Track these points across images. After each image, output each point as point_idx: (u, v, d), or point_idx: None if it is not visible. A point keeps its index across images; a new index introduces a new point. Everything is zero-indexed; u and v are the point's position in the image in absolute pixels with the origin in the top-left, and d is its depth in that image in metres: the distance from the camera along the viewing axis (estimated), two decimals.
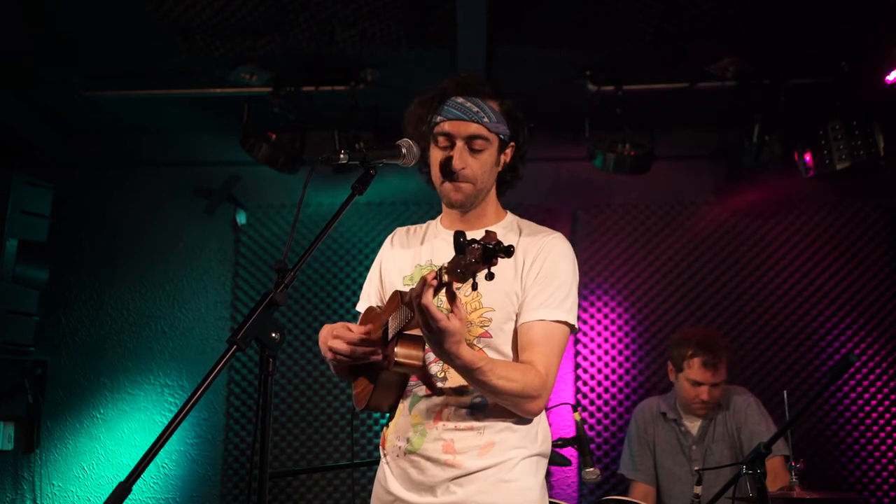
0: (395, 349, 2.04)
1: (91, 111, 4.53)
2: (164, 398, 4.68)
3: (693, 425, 3.77)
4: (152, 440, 1.48)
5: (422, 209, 4.80)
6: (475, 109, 2.16)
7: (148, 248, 4.83)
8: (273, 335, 1.66)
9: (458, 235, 1.72)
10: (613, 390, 4.57)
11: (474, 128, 2.16)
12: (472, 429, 2.11)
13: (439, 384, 2.16)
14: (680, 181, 4.76)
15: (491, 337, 2.14)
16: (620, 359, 4.60)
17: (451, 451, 2.10)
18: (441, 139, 2.20)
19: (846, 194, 4.66)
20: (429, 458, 2.12)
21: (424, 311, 1.85)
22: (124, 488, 1.43)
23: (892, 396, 4.49)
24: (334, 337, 2.14)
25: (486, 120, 2.16)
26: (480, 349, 2.12)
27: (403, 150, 2.11)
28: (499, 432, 2.12)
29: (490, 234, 1.71)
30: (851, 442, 4.44)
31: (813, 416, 4.41)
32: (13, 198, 4.14)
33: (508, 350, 2.15)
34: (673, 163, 4.60)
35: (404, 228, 2.47)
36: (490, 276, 1.71)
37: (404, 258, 2.35)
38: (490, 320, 2.15)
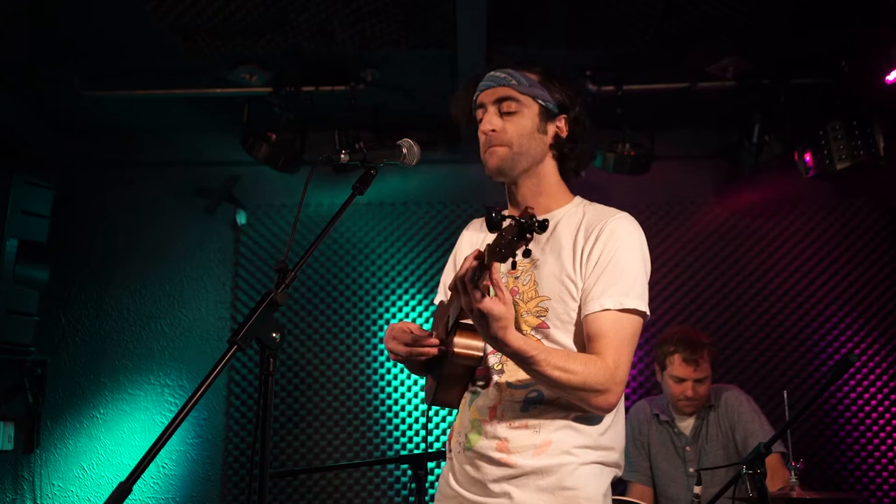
0: (454, 339, 2.00)
1: (91, 111, 4.52)
2: (164, 398, 4.68)
3: (686, 426, 3.76)
4: (152, 440, 1.48)
5: (422, 209, 4.81)
6: (503, 76, 2.12)
7: (148, 248, 4.83)
8: (273, 335, 1.65)
9: (490, 210, 1.64)
10: None
11: (501, 90, 2.11)
12: (527, 427, 2.01)
13: (496, 377, 2.07)
14: (680, 181, 4.76)
15: (548, 328, 2.03)
16: None
17: (504, 451, 2.01)
18: (479, 112, 2.16)
19: (846, 194, 4.66)
20: (484, 457, 2.04)
21: (463, 292, 1.78)
22: (124, 488, 1.43)
23: (893, 396, 4.49)
24: (392, 338, 2.12)
25: (513, 82, 2.10)
26: (538, 340, 2.02)
27: (404, 150, 2.10)
28: (556, 430, 2.00)
29: (526, 209, 1.63)
30: (851, 442, 4.44)
31: (813, 416, 4.41)
32: (13, 198, 4.14)
33: (569, 341, 2.03)
34: (673, 163, 4.60)
35: (479, 219, 2.39)
36: (527, 253, 1.63)
37: (475, 246, 2.24)
38: (547, 310, 2.04)
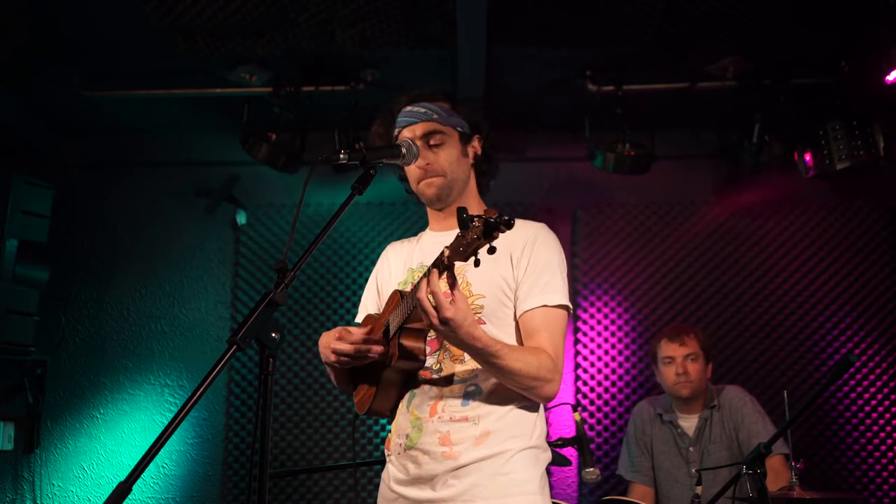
0: (400, 341, 2.07)
1: (91, 111, 4.53)
2: (164, 398, 4.68)
3: (689, 426, 3.76)
4: (152, 440, 1.48)
5: (421, 209, 4.72)
6: (423, 110, 2.30)
7: (148, 248, 4.83)
8: (273, 335, 1.66)
9: (462, 211, 1.76)
10: (613, 390, 4.57)
11: (427, 125, 2.28)
12: (466, 419, 2.12)
13: (434, 376, 2.18)
14: (680, 181, 4.76)
15: (485, 324, 2.16)
16: (620, 359, 4.60)
17: (447, 444, 2.12)
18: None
19: (846, 194, 4.66)
20: (426, 452, 2.13)
21: (423, 301, 1.88)
22: (124, 488, 1.43)
23: (893, 396, 4.49)
24: (336, 339, 2.16)
25: (435, 116, 2.29)
26: None
27: (403, 150, 2.13)
28: (495, 421, 2.13)
29: (490, 210, 1.75)
30: (851, 442, 4.44)
31: (813, 416, 4.41)
32: (13, 198, 4.14)
33: (506, 337, 2.17)
34: (673, 163, 4.60)
35: (398, 241, 2.57)
36: (492, 250, 1.74)
37: (397, 266, 2.43)
38: (482, 307, 2.18)
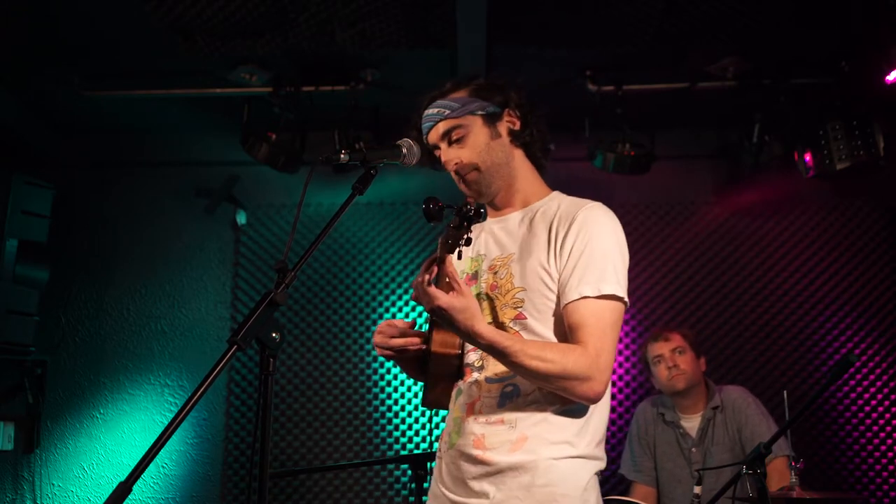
0: (432, 337, 2.01)
1: (91, 111, 4.52)
2: (164, 398, 4.68)
3: (692, 427, 3.76)
4: (152, 440, 1.48)
5: (421, 209, 4.80)
6: (435, 111, 2.18)
7: (148, 248, 4.83)
8: (273, 335, 1.65)
9: (428, 202, 1.74)
10: (613, 390, 4.56)
11: (441, 126, 2.17)
12: (502, 422, 1.99)
13: (475, 374, 2.07)
14: (680, 181, 4.76)
15: (526, 318, 2.03)
16: (620, 359, 4.60)
17: (480, 447, 2.00)
18: (436, 152, 2.22)
19: (846, 194, 4.66)
20: (462, 454, 2.03)
21: (423, 296, 1.84)
22: (124, 488, 1.43)
23: (893, 396, 4.49)
24: (379, 333, 2.12)
25: (447, 112, 2.16)
26: (516, 332, 2.03)
27: (404, 150, 2.10)
28: (533, 426, 1.98)
29: (466, 201, 1.73)
30: (851, 442, 4.44)
31: (813, 416, 4.41)
32: (13, 198, 4.14)
33: (548, 332, 2.03)
34: (673, 163, 4.60)
35: (477, 225, 2.43)
36: (468, 242, 1.71)
37: (465, 255, 2.30)
38: (523, 300, 2.04)
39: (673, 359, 3.75)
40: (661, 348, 3.79)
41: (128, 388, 4.69)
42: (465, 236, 1.71)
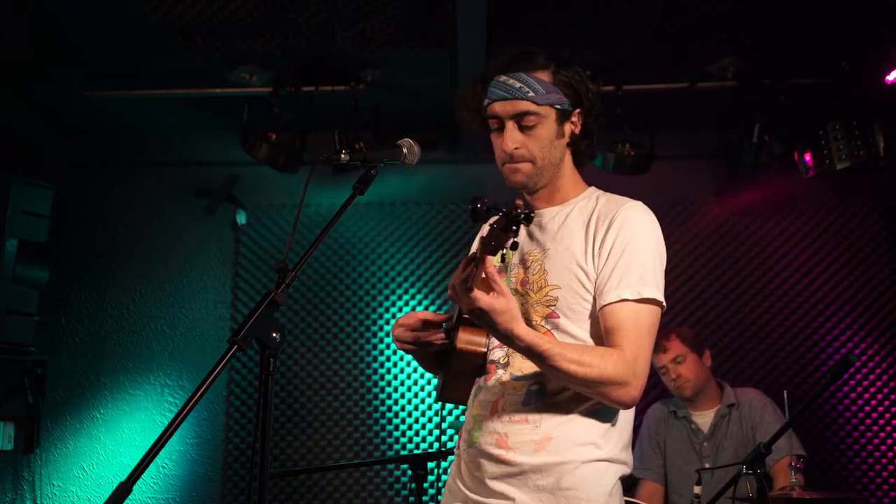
0: (458, 334, 1.97)
1: (91, 111, 4.52)
2: (164, 398, 4.68)
3: (704, 422, 3.78)
4: (152, 440, 1.48)
5: (422, 209, 4.81)
6: (518, 85, 2.00)
7: (148, 248, 4.83)
8: (273, 335, 1.65)
9: (476, 201, 1.64)
10: None
11: (521, 105, 2.00)
12: (526, 421, 1.94)
13: (500, 371, 2.01)
14: (680, 181, 4.76)
15: (559, 317, 1.97)
16: None
17: (503, 447, 1.94)
18: (492, 122, 2.06)
19: (846, 194, 4.66)
20: (483, 453, 1.97)
21: (463, 294, 1.76)
22: (124, 488, 1.43)
23: (893, 396, 4.49)
24: (399, 325, 2.07)
25: (531, 94, 1.99)
26: (548, 331, 1.97)
27: (404, 150, 2.08)
28: (558, 426, 1.92)
29: (513, 203, 1.64)
30: (851, 442, 4.44)
31: (813, 416, 4.41)
32: (13, 198, 4.13)
33: (582, 333, 1.97)
34: (673, 163, 4.60)
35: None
36: (514, 246, 1.63)
37: None
38: (556, 299, 1.97)
39: (675, 370, 3.75)
40: (661, 359, 3.77)
41: (128, 388, 4.69)
42: (512, 240, 1.65)
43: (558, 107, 2.04)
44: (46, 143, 4.82)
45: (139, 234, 4.84)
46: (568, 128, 2.09)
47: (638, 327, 1.91)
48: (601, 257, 1.97)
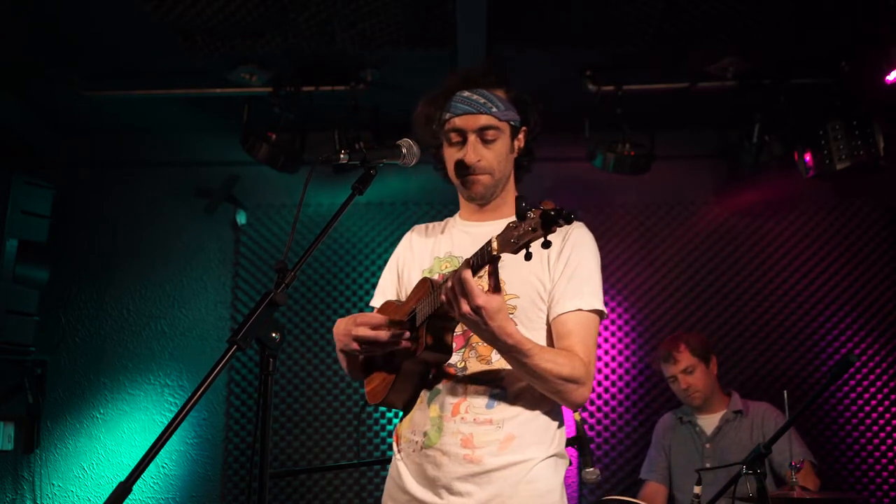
0: (429, 332, 2.00)
1: (91, 111, 4.53)
2: (164, 398, 4.68)
3: (708, 425, 3.85)
4: (152, 440, 1.48)
5: (422, 209, 4.80)
6: (482, 101, 2.16)
7: (148, 248, 4.83)
8: (273, 335, 1.65)
9: (520, 201, 1.70)
10: (613, 390, 4.58)
11: (484, 119, 2.15)
12: (490, 422, 2.04)
13: (458, 374, 2.09)
14: (680, 181, 4.76)
15: (516, 325, 2.05)
16: (620, 359, 4.61)
17: (469, 446, 2.03)
18: (453, 136, 2.19)
19: (846, 194, 4.66)
20: (446, 453, 2.04)
21: (462, 294, 1.81)
22: (124, 488, 1.43)
23: (893, 396, 4.49)
24: (357, 325, 2.08)
25: (494, 110, 2.15)
26: None
27: (404, 150, 2.10)
28: (519, 426, 2.06)
29: (547, 202, 1.69)
30: (851, 442, 4.45)
31: (813, 416, 4.41)
32: (13, 198, 4.14)
33: (537, 340, 2.08)
34: (673, 163, 4.60)
35: (422, 225, 2.46)
36: (547, 245, 1.69)
37: (423, 252, 2.34)
38: (515, 307, 2.10)
39: (685, 380, 3.83)
40: (671, 370, 3.87)
41: (128, 388, 4.69)
42: (543, 239, 1.67)
43: (513, 123, 2.21)
44: (46, 143, 4.82)
45: (139, 234, 4.85)
46: (516, 144, 2.26)
47: (589, 335, 2.11)
48: (556, 271, 2.15)
